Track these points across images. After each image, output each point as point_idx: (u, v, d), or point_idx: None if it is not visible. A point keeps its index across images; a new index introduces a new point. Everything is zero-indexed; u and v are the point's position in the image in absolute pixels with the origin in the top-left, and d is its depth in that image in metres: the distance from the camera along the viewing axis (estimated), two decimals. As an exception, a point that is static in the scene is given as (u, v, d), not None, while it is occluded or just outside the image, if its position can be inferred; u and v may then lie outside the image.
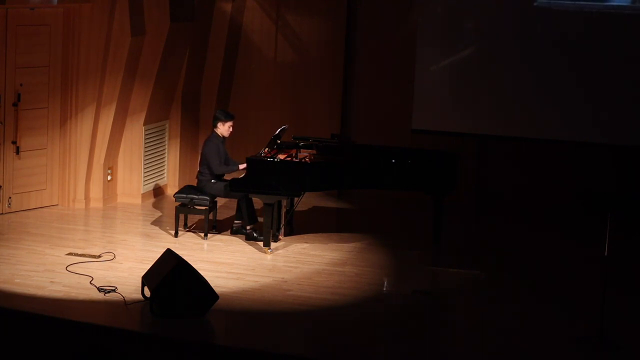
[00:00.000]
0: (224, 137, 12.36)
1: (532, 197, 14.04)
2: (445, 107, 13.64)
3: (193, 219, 12.69)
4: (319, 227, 12.87)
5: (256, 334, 9.32)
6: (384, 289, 10.75)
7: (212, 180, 12.22)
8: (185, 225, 12.53)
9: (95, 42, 12.88)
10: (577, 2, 13.12)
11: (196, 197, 12.14)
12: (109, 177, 13.54)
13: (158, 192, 14.17)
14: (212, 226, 12.33)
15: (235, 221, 12.41)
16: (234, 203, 12.53)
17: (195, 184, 12.50)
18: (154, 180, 14.07)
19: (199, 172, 12.39)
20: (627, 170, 13.70)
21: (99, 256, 11.27)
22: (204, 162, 12.30)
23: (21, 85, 12.72)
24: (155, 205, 13.72)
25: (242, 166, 12.14)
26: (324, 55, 14.48)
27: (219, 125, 12.32)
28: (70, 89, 13.05)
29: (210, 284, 9.65)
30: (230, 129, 12.37)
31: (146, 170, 13.83)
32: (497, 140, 13.93)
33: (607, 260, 9.32)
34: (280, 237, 12.22)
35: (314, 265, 11.32)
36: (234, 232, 12.33)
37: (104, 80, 13.03)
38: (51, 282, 10.36)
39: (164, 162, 14.28)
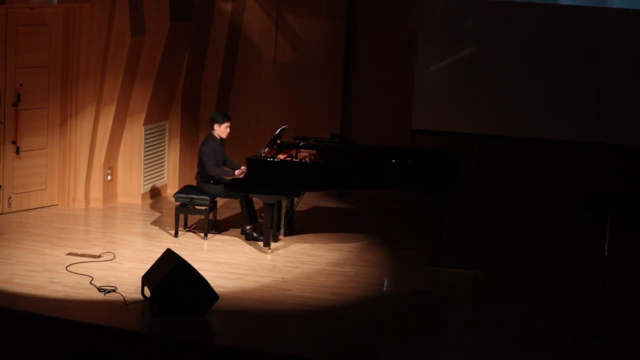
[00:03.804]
0: (221, 138, 12.35)
1: (532, 197, 14.03)
2: (445, 107, 13.64)
3: (193, 219, 12.68)
4: (319, 227, 12.86)
5: (256, 334, 9.32)
6: (384, 289, 10.75)
7: (212, 181, 12.21)
8: (185, 225, 12.53)
9: (95, 42, 12.87)
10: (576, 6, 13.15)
11: (196, 197, 12.13)
12: (109, 177, 13.53)
13: (158, 192, 14.17)
14: (212, 226, 12.33)
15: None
16: (233, 203, 12.52)
17: (195, 184, 12.50)
18: (153, 180, 14.06)
19: (197, 172, 12.39)
20: (628, 170, 13.70)
21: (99, 256, 11.26)
22: (201, 163, 12.29)
23: (21, 85, 12.71)
24: (155, 206, 13.71)
25: (238, 171, 12.11)
26: (324, 55, 14.47)
27: (215, 127, 12.31)
28: (70, 89, 13.05)
29: (210, 284, 9.65)
30: (228, 130, 12.35)
31: (146, 170, 13.83)
32: (497, 140, 13.93)
33: (607, 260, 9.32)
34: (280, 237, 12.21)
35: (314, 265, 11.32)
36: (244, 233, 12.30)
37: (104, 80, 13.02)
38: (51, 282, 10.35)
39: (164, 162, 14.28)
